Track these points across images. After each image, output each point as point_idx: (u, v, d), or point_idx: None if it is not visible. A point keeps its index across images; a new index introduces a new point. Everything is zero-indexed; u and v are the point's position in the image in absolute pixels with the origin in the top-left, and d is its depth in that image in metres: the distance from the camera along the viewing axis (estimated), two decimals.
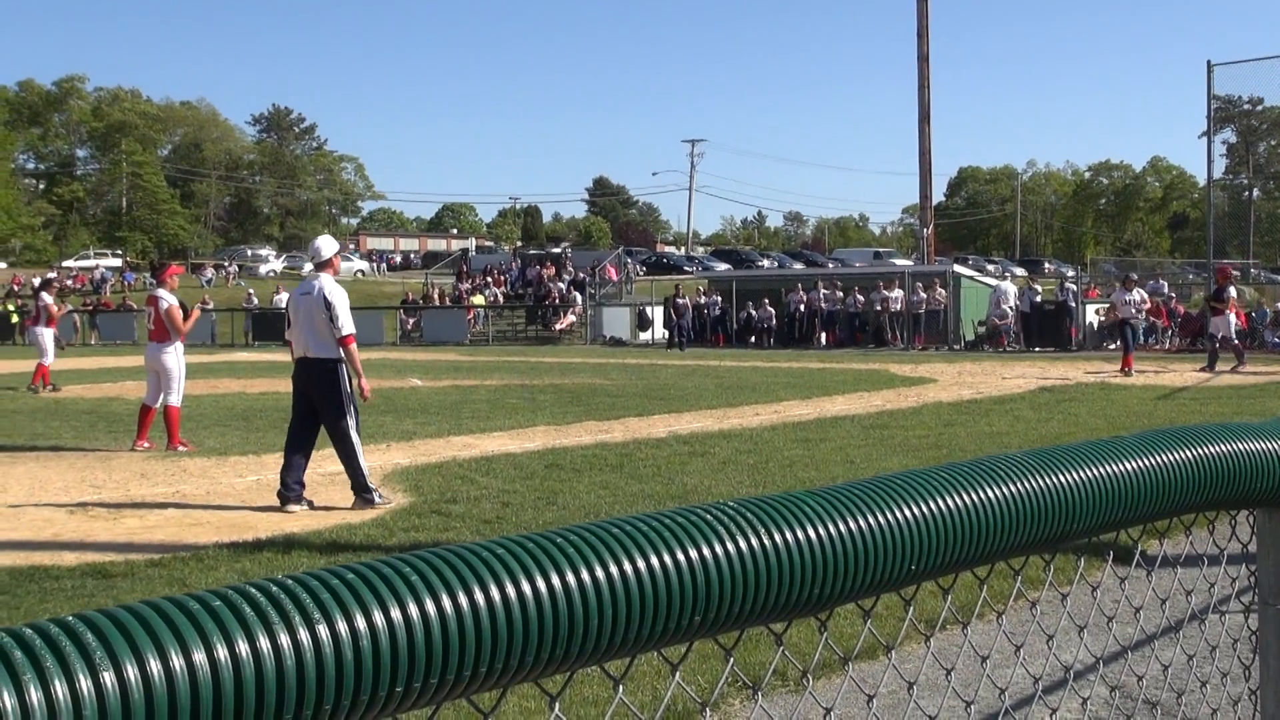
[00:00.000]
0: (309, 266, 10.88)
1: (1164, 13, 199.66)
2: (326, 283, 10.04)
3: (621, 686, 1.20)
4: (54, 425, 16.43)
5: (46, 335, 22.92)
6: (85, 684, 0.80)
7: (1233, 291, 26.10)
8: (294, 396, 10.14)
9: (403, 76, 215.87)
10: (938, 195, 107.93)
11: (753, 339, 41.39)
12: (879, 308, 38.93)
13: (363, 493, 9.84)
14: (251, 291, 57.07)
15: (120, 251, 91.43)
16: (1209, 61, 35.16)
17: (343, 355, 9.93)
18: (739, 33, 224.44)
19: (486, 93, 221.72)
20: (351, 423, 9.89)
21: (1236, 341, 25.29)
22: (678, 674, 1.25)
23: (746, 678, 1.58)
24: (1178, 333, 34.65)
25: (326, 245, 10.35)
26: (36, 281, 33.82)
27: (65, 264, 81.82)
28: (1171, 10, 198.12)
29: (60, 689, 0.79)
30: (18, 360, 36.18)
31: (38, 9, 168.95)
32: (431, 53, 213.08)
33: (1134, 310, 24.83)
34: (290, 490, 9.81)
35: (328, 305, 9.85)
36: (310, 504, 9.92)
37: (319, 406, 9.90)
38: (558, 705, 1.14)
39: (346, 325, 9.91)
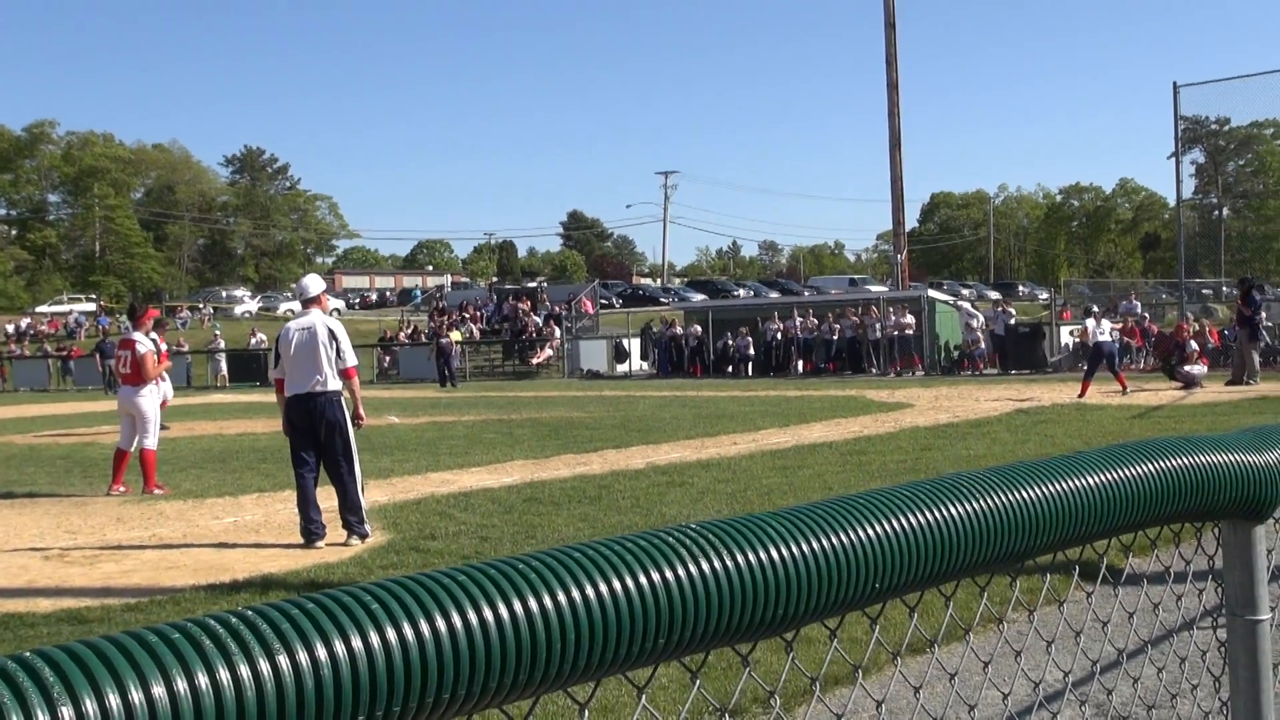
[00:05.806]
0: (297, 305, 10.96)
1: (1129, 38, 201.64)
2: (322, 318, 10.19)
3: (587, 712, 1.20)
4: (29, 471, 16.31)
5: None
6: None
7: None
8: (293, 435, 10.06)
9: (375, 116, 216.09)
10: (911, 221, 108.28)
11: (730, 368, 41.43)
12: (853, 334, 39.07)
13: (360, 525, 9.89)
14: (218, 333, 55.73)
15: (94, 296, 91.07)
16: (1175, 83, 35.56)
17: (343, 386, 10.07)
18: (710, 66, 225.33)
19: (459, 130, 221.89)
20: (355, 454, 10.00)
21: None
22: (643, 698, 1.25)
23: (717, 703, 1.58)
24: (1151, 352, 34.83)
25: (314, 283, 10.58)
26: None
27: (38, 310, 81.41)
28: (1137, 35, 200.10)
29: None
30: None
31: (6, 54, 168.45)
32: (403, 91, 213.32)
33: (1106, 335, 24.87)
34: (315, 526, 9.87)
35: (334, 337, 10.01)
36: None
37: (325, 439, 9.90)
38: None
39: (351, 356, 10.17)
